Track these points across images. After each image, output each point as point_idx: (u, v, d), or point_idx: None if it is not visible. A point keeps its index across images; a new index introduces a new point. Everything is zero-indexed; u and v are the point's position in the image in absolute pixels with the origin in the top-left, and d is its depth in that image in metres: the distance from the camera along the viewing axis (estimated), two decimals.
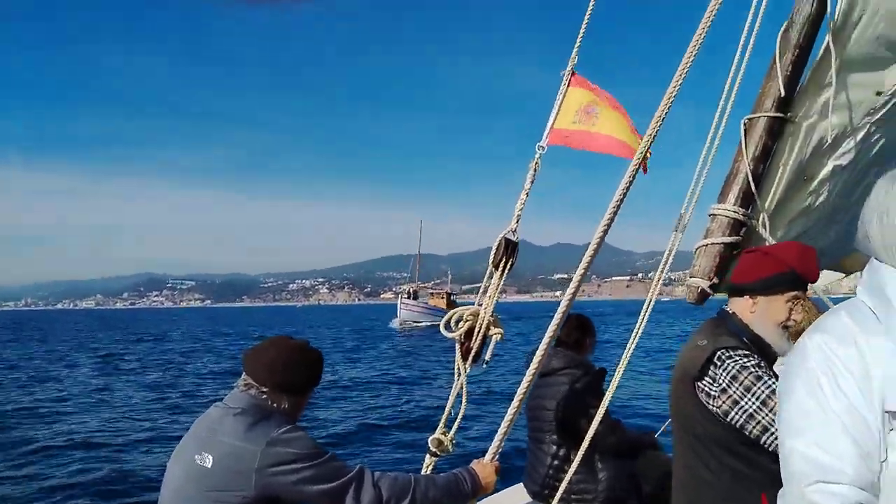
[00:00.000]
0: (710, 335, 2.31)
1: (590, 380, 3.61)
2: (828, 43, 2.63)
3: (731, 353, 2.18)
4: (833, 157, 2.83)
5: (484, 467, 2.75)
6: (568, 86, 3.36)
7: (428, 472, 3.13)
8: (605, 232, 2.90)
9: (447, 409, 3.21)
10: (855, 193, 2.97)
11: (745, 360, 2.15)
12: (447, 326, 3.19)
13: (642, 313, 2.85)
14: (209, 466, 2.22)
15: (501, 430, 2.88)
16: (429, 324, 62.75)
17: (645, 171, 2.95)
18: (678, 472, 2.42)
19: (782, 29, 2.78)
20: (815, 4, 2.71)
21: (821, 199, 2.93)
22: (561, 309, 2.91)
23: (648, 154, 2.88)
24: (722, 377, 2.15)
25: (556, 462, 3.59)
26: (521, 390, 2.89)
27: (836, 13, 2.62)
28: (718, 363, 2.18)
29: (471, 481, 2.64)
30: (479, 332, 3.16)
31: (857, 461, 1.20)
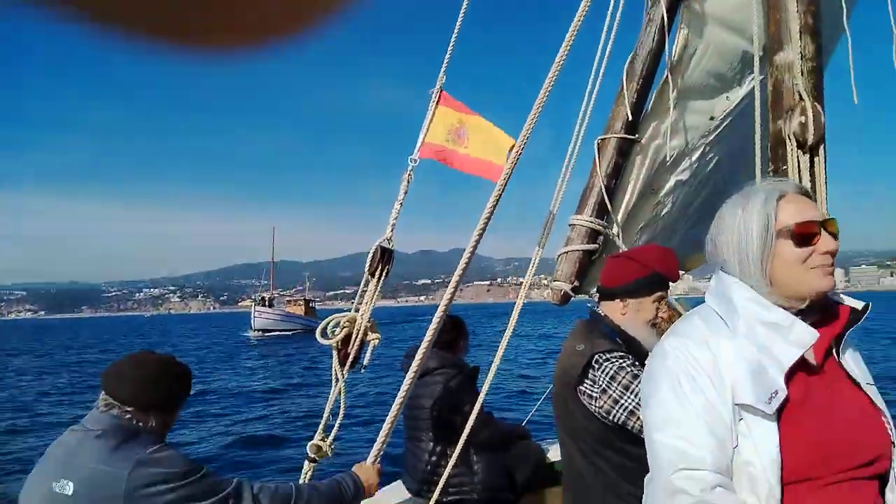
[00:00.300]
0: (586, 339, 2.42)
1: (463, 378, 3.75)
2: (667, 74, 2.98)
3: (608, 355, 2.31)
4: (675, 173, 3.20)
5: (366, 470, 2.77)
6: (437, 103, 3.53)
7: (307, 478, 3.14)
8: (479, 239, 3.06)
9: (325, 414, 3.24)
10: (694, 204, 3.37)
11: (622, 360, 2.29)
12: (323, 333, 3.23)
13: (513, 314, 3.05)
14: (69, 494, 2.03)
15: (383, 433, 2.94)
16: (287, 332, 60.56)
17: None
18: (566, 471, 2.56)
19: (628, 60, 3.12)
20: (655, 40, 3.06)
21: (665, 209, 3.30)
22: (439, 312, 3.03)
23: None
24: (601, 379, 2.28)
25: (433, 458, 3.70)
26: (401, 392, 2.98)
27: (674, 48, 2.98)
28: (597, 366, 2.30)
29: (353, 485, 2.65)
30: (356, 337, 3.23)
31: (714, 449, 1.35)
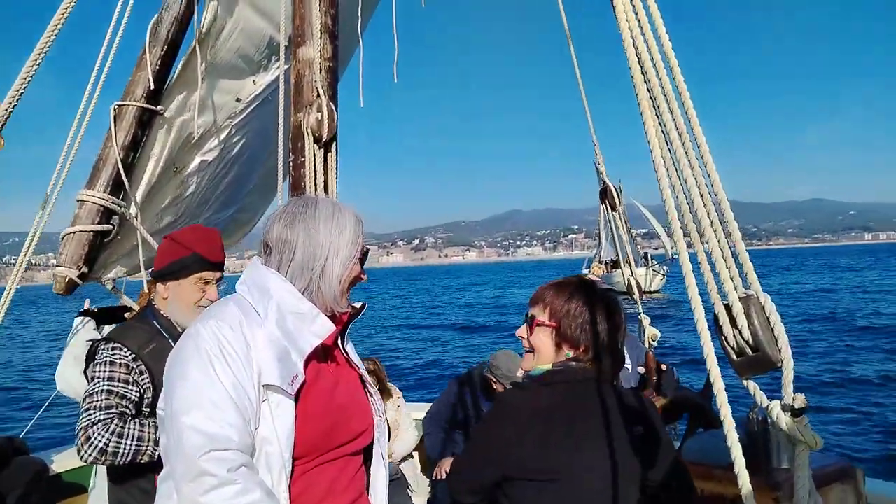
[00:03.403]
0: (121, 327, 2.43)
1: None
2: (194, 45, 2.85)
3: (104, 345, 2.31)
4: (201, 152, 3.09)
5: None
6: None
7: None
8: None
9: None
10: (220, 187, 3.32)
11: (109, 353, 2.27)
12: None
13: (1, 302, 2.55)
14: None
15: None
16: None
17: None
18: None
19: (152, 22, 2.88)
20: (182, 6, 2.89)
21: (190, 189, 3.17)
22: None
23: None
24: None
25: None
26: None
27: (203, 19, 2.86)
28: (97, 352, 2.32)
29: None
30: None
31: (241, 429, 1.39)
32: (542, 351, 1.84)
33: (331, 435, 1.56)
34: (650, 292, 41.20)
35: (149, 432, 2.22)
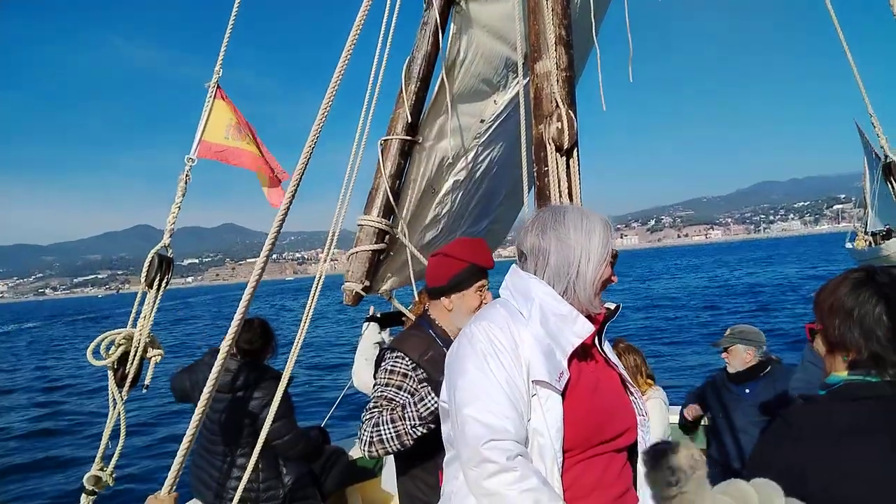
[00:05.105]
0: (402, 335, 2.72)
1: (270, 386, 3.53)
2: (442, 77, 3.10)
3: (388, 353, 2.56)
4: (452, 173, 3.37)
5: (161, 502, 2.45)
6: (214, 98, 3.31)
7: None
8: (279, 229, 2.80)
9: (103, 441, 2.95)
10: (472, 203, 3.57)
11: (392, 362, 2.53)
12: (95, 353, 2.93)
13: (308, 305, 2.92)
14: None
15: (179, 456, 2.61)
16: None
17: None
18: None
19: (406, 63, 3.20)
20: (430, 43, 3.17)
21: (447, 207, 3.47)
22: (240, 310, 2.74)
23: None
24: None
25: (236, 471, 3.49)
26: (199, 409, 2.72)
27: (448, 52, 3.11)
28: (383, 358, 2.58)
29: None
30: (135, 356, 2.97)
31: (516, 421, 1.53)
32: (826, 359, 1.60)
33: (596, 431, 1.65)
34: None
35: (404, 414, 2.39)
